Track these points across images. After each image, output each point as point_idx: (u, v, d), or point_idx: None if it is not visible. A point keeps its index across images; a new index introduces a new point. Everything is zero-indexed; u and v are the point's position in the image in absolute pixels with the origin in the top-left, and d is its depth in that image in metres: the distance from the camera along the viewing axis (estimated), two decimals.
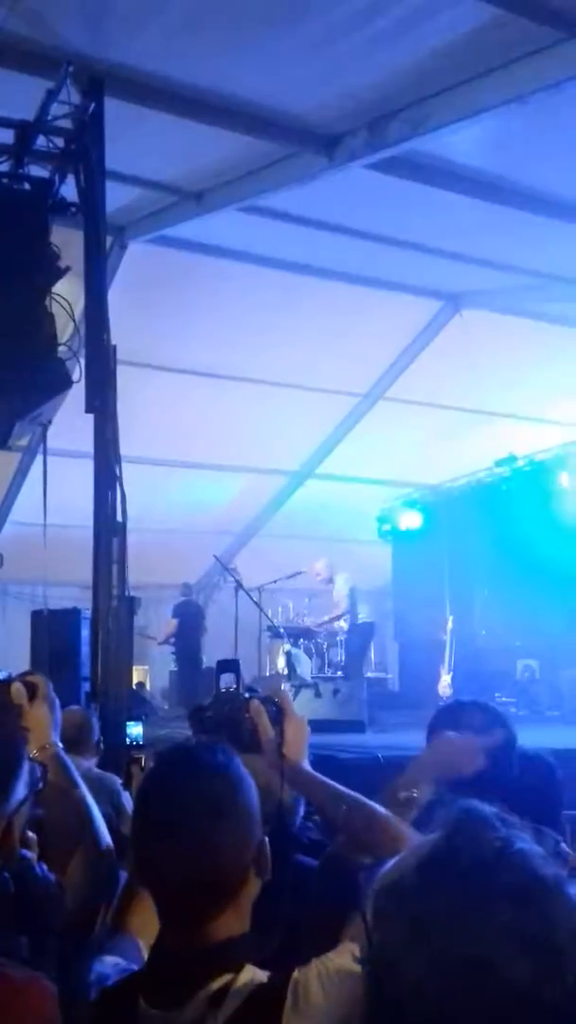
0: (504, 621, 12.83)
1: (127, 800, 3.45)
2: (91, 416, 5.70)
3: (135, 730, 3.45)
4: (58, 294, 5.82)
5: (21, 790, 1.43)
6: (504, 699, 10.42)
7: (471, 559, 13.37)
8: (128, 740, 3.44)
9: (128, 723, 3.51)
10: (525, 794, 2.35)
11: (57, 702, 2.05)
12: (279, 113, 6.68)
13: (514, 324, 10.33)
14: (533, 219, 7.91)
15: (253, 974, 1.33)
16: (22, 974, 1.25)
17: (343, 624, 10.13)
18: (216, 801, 1.45)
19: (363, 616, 9.66)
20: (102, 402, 5.63)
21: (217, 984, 1.32)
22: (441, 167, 7.27)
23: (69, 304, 5.97)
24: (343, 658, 10.80)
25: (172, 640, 12.15)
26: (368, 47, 5.97)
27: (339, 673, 10.62)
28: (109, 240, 7.30)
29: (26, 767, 1.50)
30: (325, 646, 11.13)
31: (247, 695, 1.93)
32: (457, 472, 13.22)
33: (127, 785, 3.52)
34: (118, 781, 3.54)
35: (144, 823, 1.50)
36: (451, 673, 12.13)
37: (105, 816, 3.37)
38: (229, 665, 2.02)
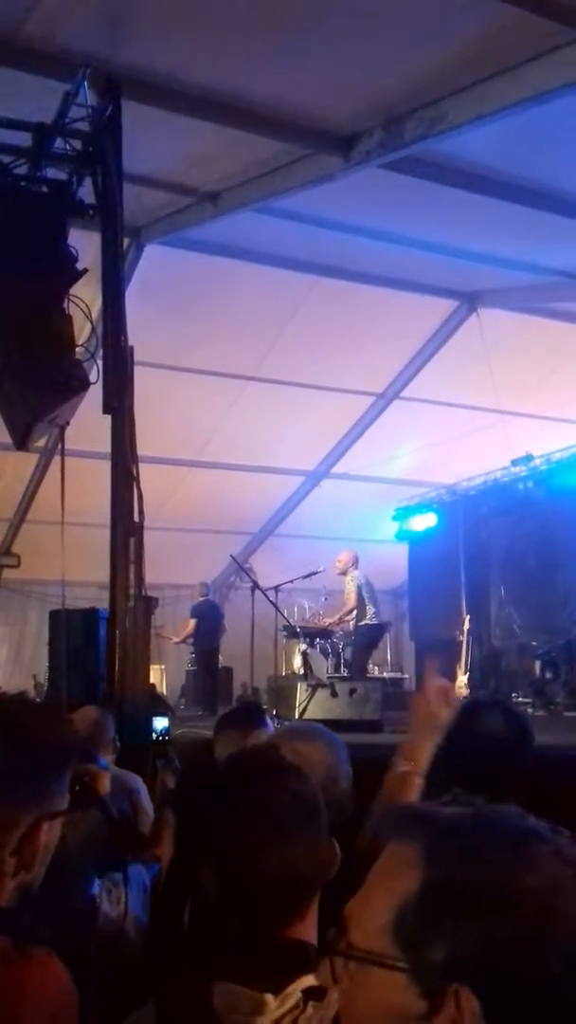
0: (520, 621, 12.79)
1: (146, 800, 3.46)
2: (108, 417, 5.73)
3: (161, 723, 3.42)
4: (76, 296, 5.85)
5: (58, 800, 1.42)
6: (521, 699, 10.37)
7: (487, 559, 13.34)
8: (154, 735, 3.42)
9: (155, 717, 3.49)
10: (550, 794, 2.34)
11: None
12: (295, 114, 6.69)
13: (531, 323, 10.29)
14: (550, 218, 7.88)
15: None
16: (29, 954, 1.22)
17: (350, 625, 10.11)
18: (314, 805, 1.54)
19: (369, 616, 9.61)
20: (119, 403, 5.66)
21: (312, 981, 1.31)
22: (457, 166, 7.25)
23: (87, 305, 6.00)
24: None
25: (190, 640, 12.17)
26: (383, 47, 5.97)
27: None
28: (126, 241, 7.34)
29: (66, 781, 1.49)
30: (341, 646, 11.13)
31: None
32: (473, 472, 13.18)
33: (151, 780, 3.51)
34: (138, 780, 3.55)
35: (249, 810, 1.54)
36: (467, 673, 12.09)
37: (122, 813, 3.40)
38: None
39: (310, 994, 1.29)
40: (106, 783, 2.16)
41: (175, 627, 12.73)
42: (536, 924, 0.85)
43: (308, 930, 1.46)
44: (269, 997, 1.31)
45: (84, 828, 2.27)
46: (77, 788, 1.60)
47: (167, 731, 3.48)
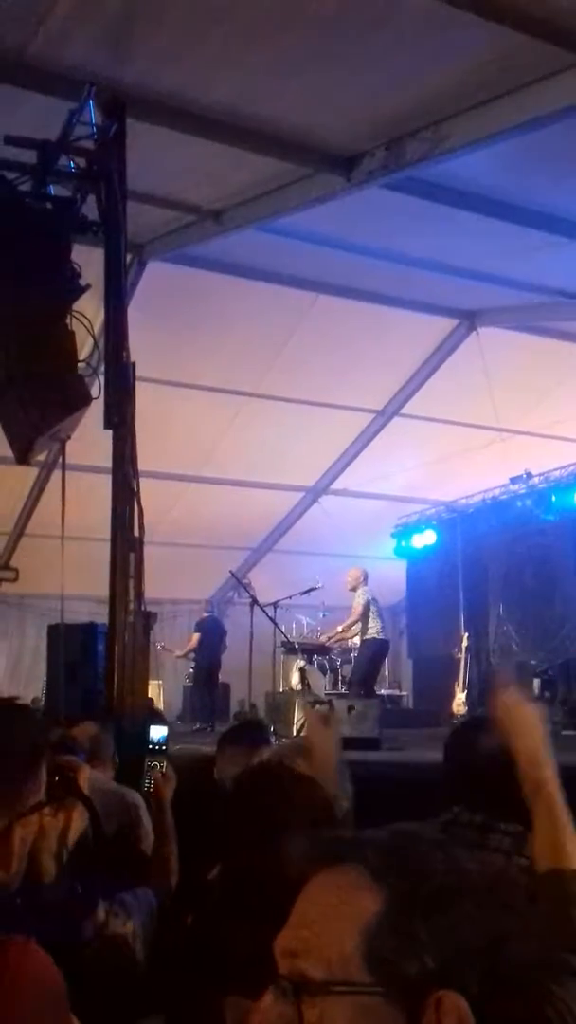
0: (519, 639, 12.78)
1: (146, 816, 3.43)
2: (109, 432, 5.75)
3: (158, 732, 3.35)
4: (78, 311, 5.88)
5: (31, 797, 1.41)
6: None
7: (485, 576, 13.35)
8: (150, 744, 3.35)
9: (152, 726, 3.42)
10: None
11: None
12: (297, 133, 6.74)
13: (530, 342, 10.35)
14: (549, 238, 7.94)
15: None
16: (5, 942, 1.20)
17: (355, 640, 10.09)
18: (325, 802, 1.62)
19: (376, 631, 9.60)
20: (120, 418, 5.67)
21: None
22: (458, 186, 7.31)
23: (89, 321, 6.03)
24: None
25: (191, 655, 12.18)
26: (387, 68, 6.03)
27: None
28: (128, 258, 7.37)
29: (41, 779, 1.49)
30: (339, 663, 11.11)
31: None
32: (472, 489, 13.21)
33: (145, 791, 3.47)
34: (138, 796, 3.52)
35: (263, 809, 1.55)
36: (465, 691, 12.07)
37: (121, 827, 3.38)
38: None
39: None
40: (86, 776, 2.16)
41: (173, 642, 12.74)
42: (493, 906, 0.89)
43: None
44: None
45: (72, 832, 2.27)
46: (56, 779, 1.60)
47: (164, 741, 3.44)
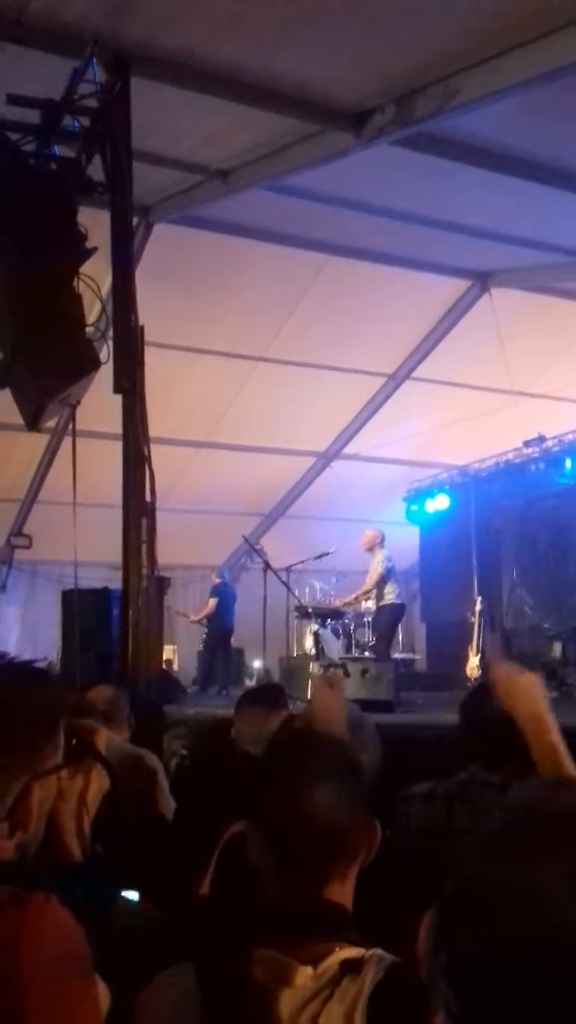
0: (532, 602, 12.76)
1: (163, 779, 3.46)
2: (119, 397, 5.72)
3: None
4: (85, 275, 5.82)
5: (49, 759, 1.42)
6: None
7: (499, 540, 13.31)
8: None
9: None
10: None
11: None
12: (305, 90, 6.60)
13: (544, 303, 10.21)
14: (563, 196, 7.78)
15: (380, 952, 1.35)
16: (26, 899, 1.20)
17: (370, 605, 10.08)
18: (356, 764, 1.59)
19: (393, 595, 9.57)
20: (130, 383, 5.64)
21: (348, 954, 1.35)
22: (470, 143, 7.16)
23: (96, 284, 5.97)
24: (370, 638, 10.81)
25: (204, 621, 12.27)
26: (396, 22, 5.89)
27: (367, 653, 10.63)
28: (135, 220, 7.28)
29: (60, 742, 1.49)
30: (352, 627, 11.15)
31: None
32: (485, 452, 13.12)
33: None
34: (155, 759, 3.55)
35: (297, 766, 1.55)
36: (479, 655, 12.08)
37: (138, 789, 3.40)
38: None
39: (347, 967, 1.32)
40: (104, 738, 2.17)
41: (187, 608, 12.81)
42: None
43: (345, 898, 1.48)
44: (308, 969, 1.34)
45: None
46: (73, 742, 1.60)
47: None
